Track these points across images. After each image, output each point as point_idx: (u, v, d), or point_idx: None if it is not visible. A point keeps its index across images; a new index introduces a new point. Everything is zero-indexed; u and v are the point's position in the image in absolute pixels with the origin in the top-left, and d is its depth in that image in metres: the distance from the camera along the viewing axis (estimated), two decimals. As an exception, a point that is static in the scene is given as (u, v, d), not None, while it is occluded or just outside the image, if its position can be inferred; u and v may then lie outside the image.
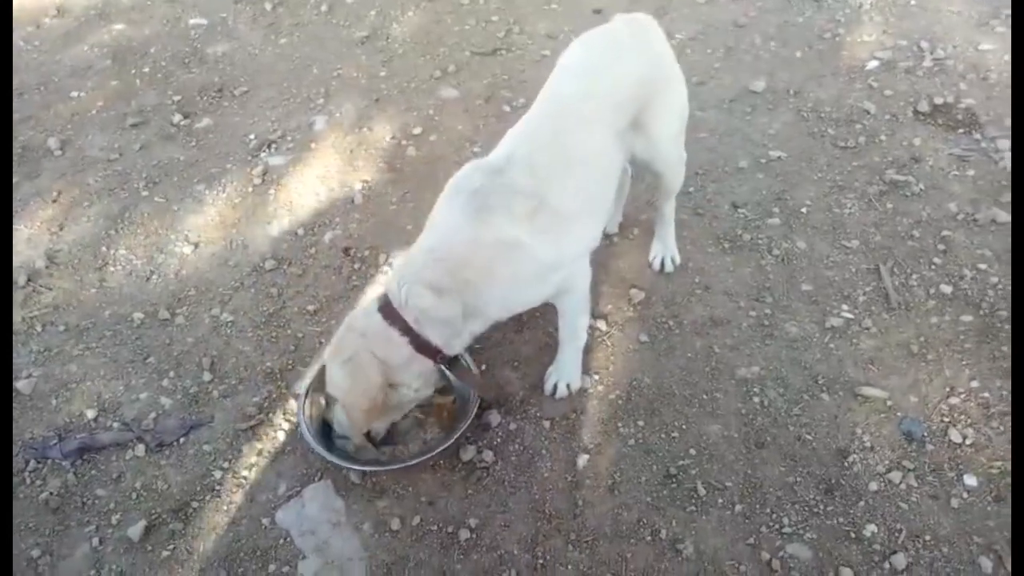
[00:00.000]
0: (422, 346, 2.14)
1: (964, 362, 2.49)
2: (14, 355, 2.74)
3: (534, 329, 2.70)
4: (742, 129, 3.44)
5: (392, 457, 2.34)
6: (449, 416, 2.42)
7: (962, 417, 2.35)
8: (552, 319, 2.52)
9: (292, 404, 2.52)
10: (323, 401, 2.41)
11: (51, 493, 2.35)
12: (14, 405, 2.58)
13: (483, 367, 2.57)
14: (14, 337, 2.80)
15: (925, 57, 3.75)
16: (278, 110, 3.78)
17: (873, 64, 3.75)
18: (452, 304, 2.11)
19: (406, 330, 2.12)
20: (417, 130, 3.58)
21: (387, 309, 2.14)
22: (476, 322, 2.22)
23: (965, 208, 2.98)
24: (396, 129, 3.60)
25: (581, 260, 2.33)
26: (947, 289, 2.70)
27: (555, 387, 2.49)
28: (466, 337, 2.23)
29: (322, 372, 2.47)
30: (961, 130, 3.34)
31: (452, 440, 2.30)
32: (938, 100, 3.48)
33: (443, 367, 2.27)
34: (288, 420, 2.49)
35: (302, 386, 2.49)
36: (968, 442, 2.28)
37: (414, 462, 2.29)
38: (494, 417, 2.45)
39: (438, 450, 2.28)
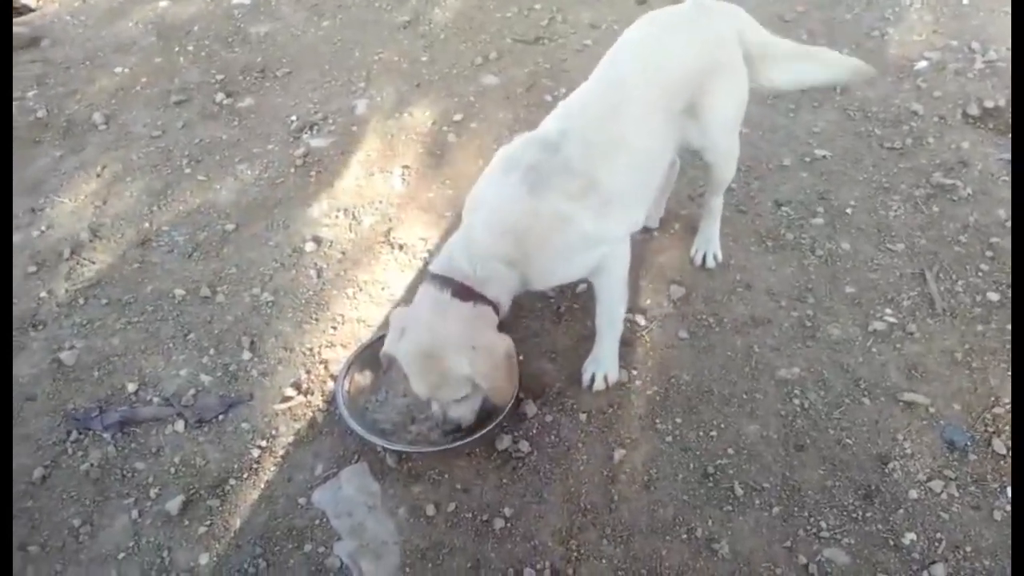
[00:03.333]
0: (500, 314, 2.21)
1: (1009, 372, 2.45)
2: (57, 327, 2.78)
3: (571, 321, 2.69)
4: (787, 126, 3.40)
5: (419, 440, 2.36)
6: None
7: (1006, 428, 2.31)
8: (589, 310, 2.51)
9: (330, 385, 2.53)
10: (360, 380, 2.47)
11: (92, 464, 2.39)
12: (57, 376, 2.62)
13: (521, 358, 2.57)
14: (57, 309, 2.84)
15: (976, 59, 3.68)
16: (320, 92, 3.78)
17: (922, 64, 3.68)
18: (516, 274, 2.18)
19: (489, 303, 2.16)
20: (458, 116, 3.57)
21: (463, 292, 2.14)
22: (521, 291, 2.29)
23: (1014, 215, 2.93)
24: (437, 115, 3.60)
25: (623, 241, 2.34)
26: (994, 297, 2.66)
27: (592, 379, 2.48)
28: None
29: (362, 353, 2.52)
30: (1011, 136, 3.27)
31: (491, 427, 2.30)
32: (989, 103, 3.41)
33: None
34: (326, 401, 2.50)
35: (341, 367, 2.50)
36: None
37: (452, 446, 2.29)
38: (530, 408, 2.44)
39: (476, 436, 2.29)
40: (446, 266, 2.18)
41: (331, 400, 2.48)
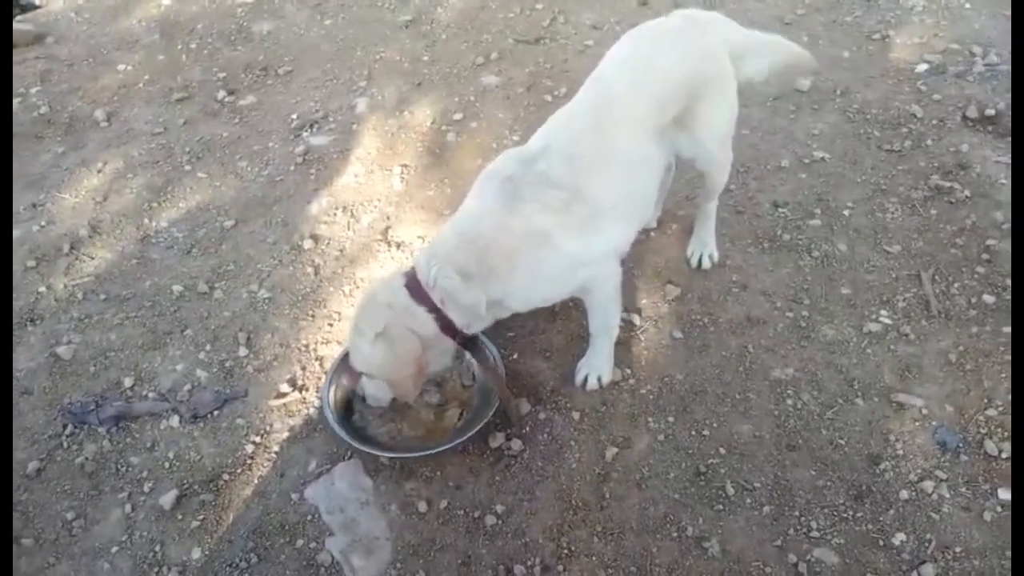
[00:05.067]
0: (446, 326, 2.17)
1: (1003, 374, 2.45)
2: (55, 322, 2.79)
3: (566, 319, 2.70)
4: (786, 128, 3.40)
5: (397, 441, 2.38)
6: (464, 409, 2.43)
7: (999, 430, 2.31)
8: (584, 309, 2.51)
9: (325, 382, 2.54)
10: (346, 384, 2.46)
11: (87, 458, 2.40)
12: (54, 370, 2.64)
13: (514, 356, 2.58)
14: (56, 303, 2.86)
15: (976, 62, 3.67)
16: (321, 90, 3.80)
17: (923, 67, 3.68)
18: (476, 291, 2.13)
19: (432, 308, 2.14)
20: (458, 116, 3.58)
21: (414, 286, 2.15)
22: (498, 310, 2.25)
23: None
24: (437, 114, 3.61)
25: (610, 260, 2.29)
26: (989, 299, 2.66)
27: (586, 379, 2.49)
28: (488, 320, 2.27)
29: (345, 357, 2.49)
30: (1011, 138, 3.26)
31: (477, 429, 2.31)
32: (988, 107, 3.40)
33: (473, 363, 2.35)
34: (320, 397, 2.50)
35: (328, 372, 2.50)
36: (1004, 455, 2.24)
37: (439, 450, 2.29)
38: (524, 406, 2.45)
39: (463, 438, 2.30)
40: (415, 261, 2.21)
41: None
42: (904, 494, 2.19)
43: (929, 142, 3.29)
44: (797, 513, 2.17)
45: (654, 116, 2.28)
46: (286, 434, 2.44)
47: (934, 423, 2.35)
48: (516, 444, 2.36)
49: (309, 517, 2.24)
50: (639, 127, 2.26)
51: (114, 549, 2.20)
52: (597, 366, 2.48)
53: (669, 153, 2.44)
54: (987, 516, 2.13)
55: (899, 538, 2.10)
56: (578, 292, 2.31)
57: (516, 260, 2.12)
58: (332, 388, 2.43)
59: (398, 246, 2.99)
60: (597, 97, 2.29)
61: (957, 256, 2.81)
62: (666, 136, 2.35)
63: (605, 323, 2.42)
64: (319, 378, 2.56)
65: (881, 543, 2.10)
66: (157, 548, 2.20)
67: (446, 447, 2.30)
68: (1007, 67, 3.61)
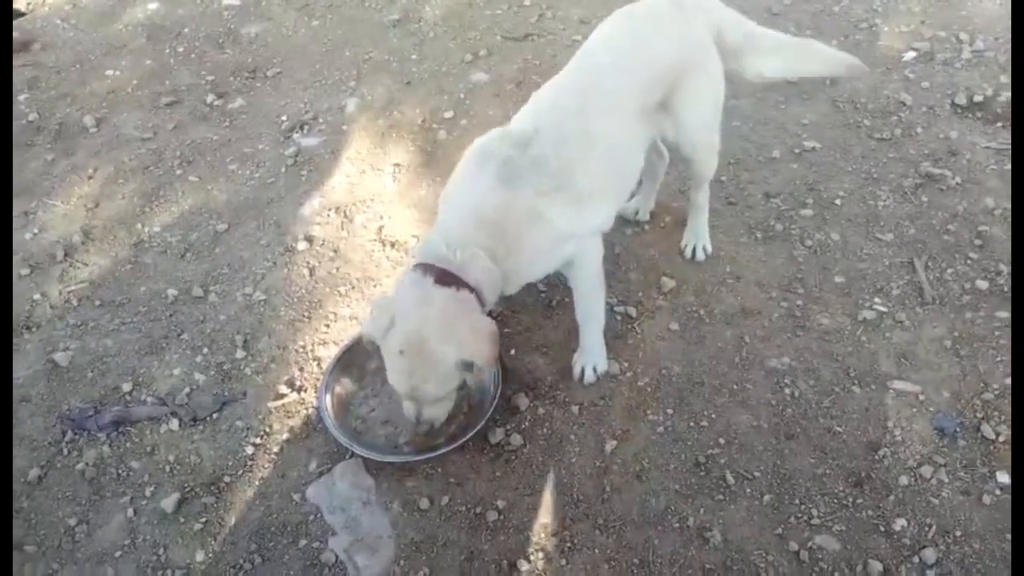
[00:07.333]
0: (483, 303, 2.17)
1: (998, 358, 2.47)
2: (51, 329, 2.79)
3: (562, 315, 2.70)
4: (776, 118, 3.42)
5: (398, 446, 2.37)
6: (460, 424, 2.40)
7: (995, 413, 2.33)
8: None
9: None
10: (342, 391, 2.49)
11: (87, 464, 2.40)
12: (52, 377, 2.63)
13: (512, 352, 2.59)
14: (51, 311, 2.85)
15: (964, 49, 3.69)
16: (310, 91, 3.80)
17: (910, 55, 3.70)
18: (498, 269, 2.16)
19: (471, 289, 2.13)
20: (448, 114, 3.58)
21: (444, 277, 2.10)
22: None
23: (1002, 203, 2.94)
24: (427, 113, 3.61)
25: (595, 235, 2.35)
26: (983, 284, 2.67)
27: (583, 372, 2.50)
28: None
29: (339, 362, 2.52)
30: (1000, 124, 3.29)
31: (477, 429, 2.32)
32: (977, 93, 3.43)
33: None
34: (318, 407, 2.50)
35: (323, 380, 2.50)
36: (1001, 439, 2.26)
37: (439, 453, 2.29)
38: (523, 401, 2.46)
39: (464, 439, 2.30)
40: (426, 254, 2.18)
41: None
42: (903, 480, 2.20)
43: (919, 130, 3.30)
44: (797, 501, 2.18)
45: (638, 100, 2.32)
46: (286, 435, 2.44)
47: (931, 409, 2.36)
48: (516, 439, 2.36)
49: (311, 517, 2.24)
50: (623, 111, 2.30)
51: (117, 554, 2.20)
52: (592, 357, 2.49)
53: (653, 135, 2.47)
54: (986, 499, 2.14)
55: (899, 523, 2.12)
56: (564, 267, 2.35)
57: (521, 238, 2.17)
58: (328, 394, 2.45)
59: (392, 245, 2.99)
60: (582, 81, 2.34)
61: (949, 242, 2.83)
62: (651, 119, 2.38)
63: (591, 308, 2.45)
64: (317, 379, 2.56)
65: (882, 529, 2.12)
66: (160, 552, 2.20)
67: (446, 450, 2.29)
68: (994, 53, 3.63)
